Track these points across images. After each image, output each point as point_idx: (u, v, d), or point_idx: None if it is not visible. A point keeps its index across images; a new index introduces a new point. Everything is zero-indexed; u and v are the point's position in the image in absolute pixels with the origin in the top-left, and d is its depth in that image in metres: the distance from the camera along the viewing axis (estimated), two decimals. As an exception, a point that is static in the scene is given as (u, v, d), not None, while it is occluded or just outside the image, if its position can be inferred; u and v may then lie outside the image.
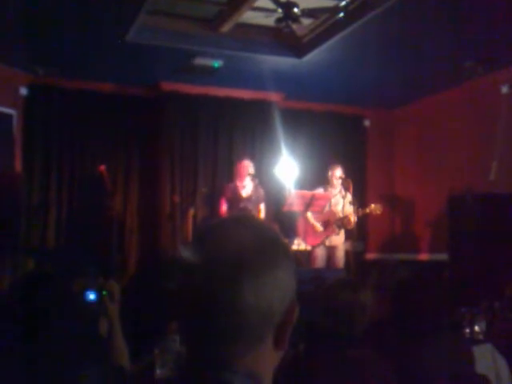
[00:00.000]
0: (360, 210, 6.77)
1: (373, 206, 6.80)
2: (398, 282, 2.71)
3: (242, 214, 1.13)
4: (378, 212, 6.82)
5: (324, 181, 7.07)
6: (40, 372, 1.87)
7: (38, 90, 7.19)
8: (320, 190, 6.93)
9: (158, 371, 2.34)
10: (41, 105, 7.21)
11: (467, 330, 3.45)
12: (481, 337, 3.39)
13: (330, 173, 6.99)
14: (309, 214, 6.78)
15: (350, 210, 6.82)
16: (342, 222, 6.77)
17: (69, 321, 2.21)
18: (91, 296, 2.49)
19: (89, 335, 2.44)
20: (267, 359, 0.95)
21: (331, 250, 6.83)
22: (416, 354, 2.38)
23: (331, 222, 6.77)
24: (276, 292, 0.92)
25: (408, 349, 2.39)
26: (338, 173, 6.93)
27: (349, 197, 6.90)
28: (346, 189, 6.90)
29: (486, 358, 2.65)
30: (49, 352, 1.92)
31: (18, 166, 7.10)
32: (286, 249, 0.97)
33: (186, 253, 0.96)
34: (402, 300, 2.57)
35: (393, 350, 2.36)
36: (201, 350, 0.93)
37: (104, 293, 2.51)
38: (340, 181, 6.91)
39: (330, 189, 6.96)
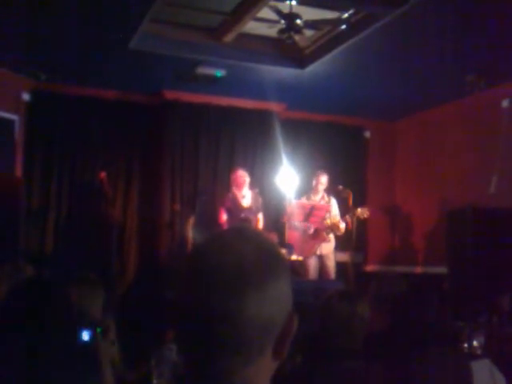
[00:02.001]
0: (347, 216, 6.76)
1: (359, 210, 6.76)
2: (396, 294, 2.71)
3: (241, 226, 1.12)
4: (366, 216, 6.80)
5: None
6: (37, 380, 1.87)
7: (40, 95, 7.20)
8: (303, 199, 6.93)
9: (154, 381, 2.33)
10: (43, 111, 7.21)
11: (465, 345, 3.44)
12: (479, 352, 3.37)
13: (314, 179, 6.99)
14: (298, 225, 6.75)
15: (337, 215, 6.83)
16: (331, 229, 6.78)
17: (66, 329, 2.20)
18: (85, 336, 2.43)
19: (85, 344, 2.43)
20: (265, 370, 0.95)
21: (322, 260, 6.81)
22: (414, 367, 2.37)
23: (320, 230, 6.76)
24: (276, 303, 0.92)
25: (406, 362, 2.38)
26: (323, 180, 6.93)
27: (334, 204, 6.91)
28: (345, 198, 6.91)
29: (483, 374, 2.64)
30: (46, 360, 1.92)
31: (19, 171, 7.10)
32: (284, 260, 0.99)
33: (186, 263, 0.96)
34: (401, 313, 2.56)
35: (390, 362, 2.36)
36: (199, 363, 0.92)
37: (98, 330, 2.48)
38: (323, 187, 6.92)
39: (312, 196, 6.96)
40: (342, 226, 6.71)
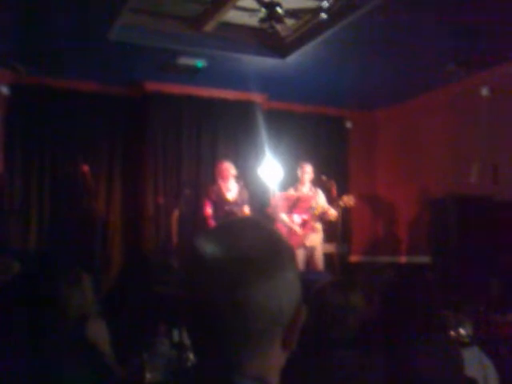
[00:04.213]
0: (334, 203, 6.77)
1: (345, 198, 6.77)
2: (384, 284, 2.71)
3: (248, 217, 1.12)
4: (351, 203, 6.80)
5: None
6: (28, 374, 1.84)
7: (20, 88, 7.06)
8: (291, 190, 6.93)
9: (147, 375, 2.30)
10: (23, 104, 7.09)
11: (452, 333, 3.46)
12: (467, 340, 3.40)
13: (299, 170, 6.99)
14: (284, 217, 6.75)
15: (324, 205, 6.84)
16: (320, 218, 6.78)
17: (55, 324, 2.17)
18: None
19: (75, 337, 2.39)
20: (275, 361, 0.95)
21: (310, 251, 6.80)
22: (405, 356, 2.38)
23: (308, 221, 6.76)
24: (286, 293, 0.92)
25: (397, 351, 2.39)
26: (308, 169, 6.94)
27: (320, 194, 6.92)
28: (328, 189, 6.91)
29: (473, 361, 2.67)
30: (37, 355, 1.89)
31: (0, 165, 6.97)
32: (291, 251, 0.98)
33: (194, 253, 0.94)
34: (390, 302, 2.57)
35: (382, 351, 2.36)
36: (210, 353, 0.92)
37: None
38: (309, 177, 6.92)
39: (299, 187, 6.96)
40: (332, 211, 6.70)
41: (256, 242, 0.92)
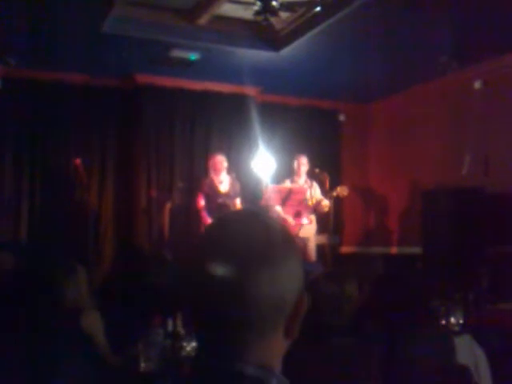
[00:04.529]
0: (328, 194, 6.81)
1: (339, 188, 6.82)
2: (375, 274, 2.74)
3: (248, 209, 1.16)
4: (345, 193, 6.87)
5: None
6: (25, 366, 1.85)
7: (11, 81, 7.01)
8: (287, 182, 6.95)
9: (142, 365, 2.33)
10: (14, 96, 7.03)
11: (443, 322, 3.50)
12: (457, 328, 3.44)
13: (295, 163, 7.01)
14: (279, 209, 6.77)
15: (318, 197, 6.87)
16: (314, 210, 6.81)
17: (50, 316, 2.18)
18: None
19: (71, 330, 2.41)
20: (278, 349, 0.96)
21: (303, 242, 6.83)
22: (397, 344, 2.41)
23: (302, 213, 6.79)
24: (289, 283, 0.93)
25: (389, 339, 2.42)
26: (304, 161, 6.97)
27: (315, 186, 6.95)
28: (321, 181, 6.95)
29: (464, 349, 2.70)
30: (32, 347, 1.90)
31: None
32: (294, 241, 1.00)
33: (199, 243, 0.96)
34: (381, 292, 2.60)
35: (376, 339, 2.39)
36: (213, 341, 0.93)
37: None
38: (305, 169, 6.95)
39: (296, 178, 6.99)
40: (325, 202, 6.74)
41: (259, 232, 0.94)
